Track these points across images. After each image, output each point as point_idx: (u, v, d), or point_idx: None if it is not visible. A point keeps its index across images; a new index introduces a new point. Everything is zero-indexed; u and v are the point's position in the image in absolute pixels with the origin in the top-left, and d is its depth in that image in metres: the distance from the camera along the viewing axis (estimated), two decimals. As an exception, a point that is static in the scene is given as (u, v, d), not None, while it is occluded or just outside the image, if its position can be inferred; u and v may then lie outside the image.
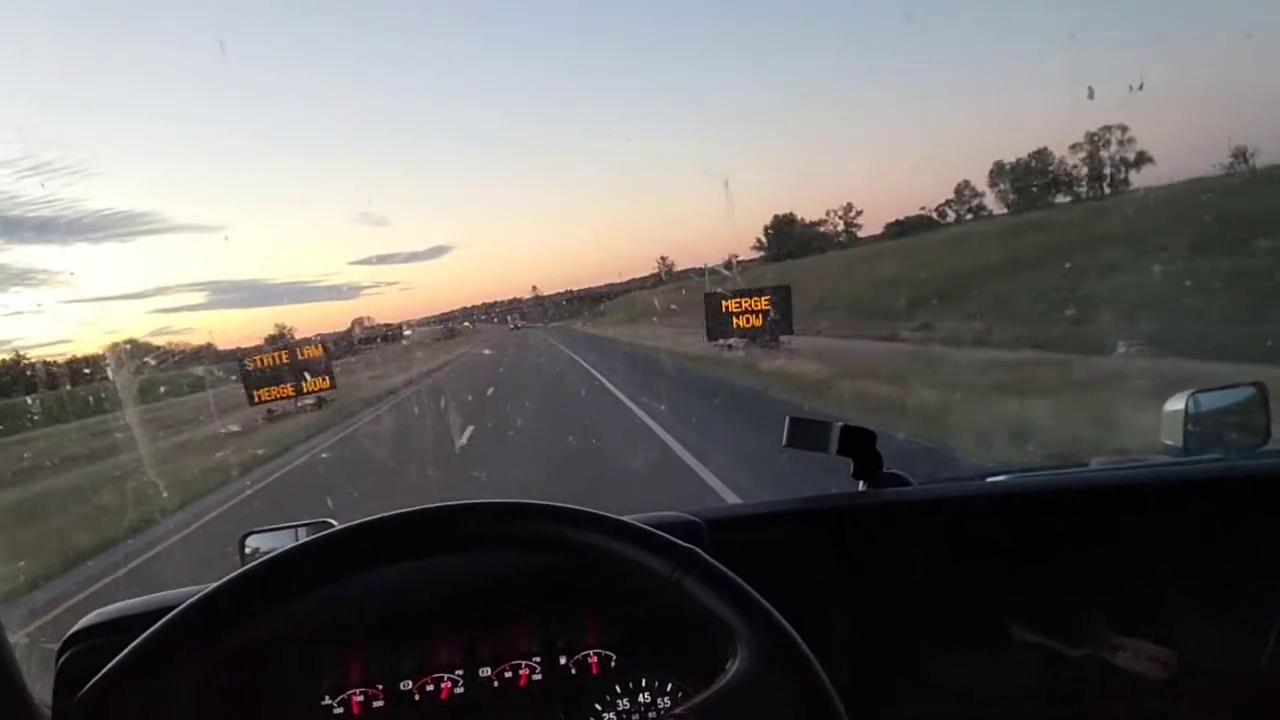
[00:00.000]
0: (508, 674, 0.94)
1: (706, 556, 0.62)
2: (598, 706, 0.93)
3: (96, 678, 0.57)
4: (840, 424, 1.06)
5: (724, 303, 14.13)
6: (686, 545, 0.62)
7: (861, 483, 1.08)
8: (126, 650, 0.57)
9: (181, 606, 0.58)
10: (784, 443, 1.08)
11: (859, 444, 1.06)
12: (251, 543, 0.99)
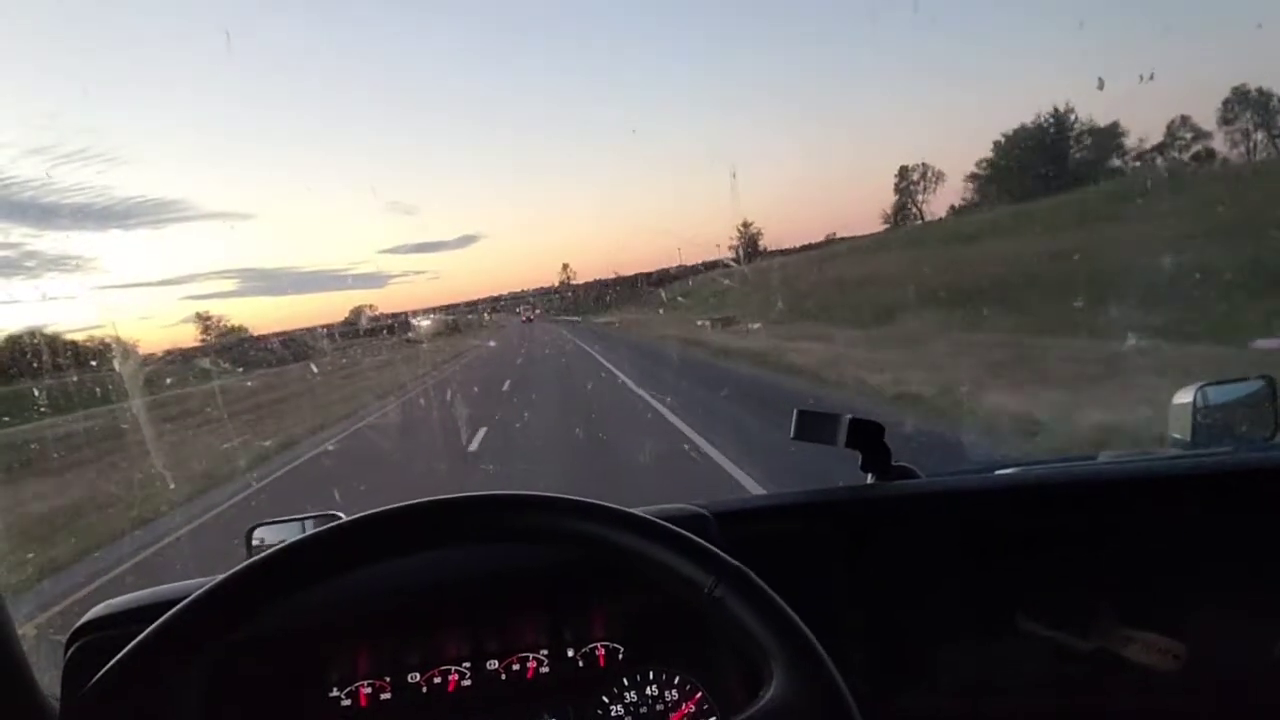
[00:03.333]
0: (515, 666, 0.95)
1: (753, 575, 0.61)
2: (605, 700, 0.93)
3: (103, 671, 0.57)
4: (849, 416, 1.05)
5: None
6: (734, 562, 0.62)
7: (870, 475, 1.08)
8: (134, 642, 0.57)
9: (189, 598, 0.58)
10: (792, 435, 1.07)
11: (867, 437, 1.06)
12: (259, 535, 0.99)
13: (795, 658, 0.58)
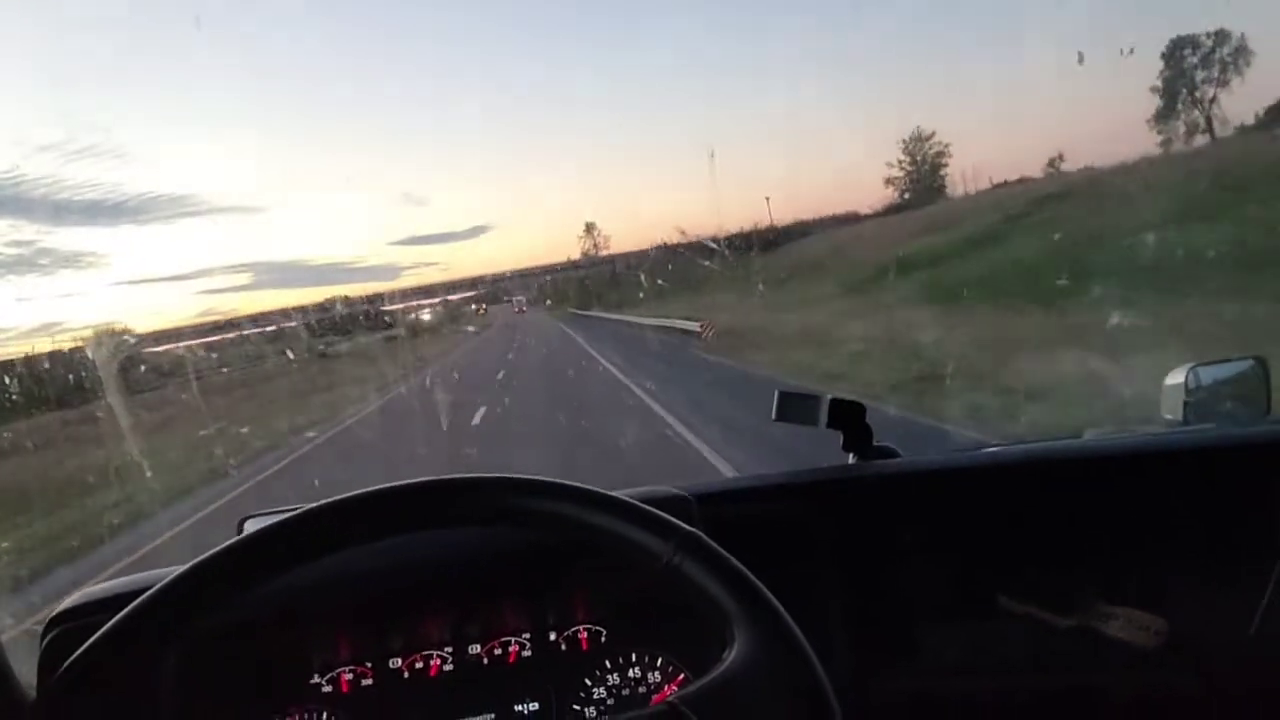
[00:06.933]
0: (497, 651, 0.94)
1: (707, 540, 0.61)
2: (588, 682, 0.93)
3: (72, 658, 0.55)
4: (829, 397, 1.05)
5: None
6: (688, 528, 0.61)
7: (852, 455, 1.07)
8: (104, 629, 0.56)
9: (161, 583, 0.57)
10: (773, 416, 1.07)
11: (849, 417, 1.05)
12: (250, 526, 0.97)
13: (752, 614, 0.57)
